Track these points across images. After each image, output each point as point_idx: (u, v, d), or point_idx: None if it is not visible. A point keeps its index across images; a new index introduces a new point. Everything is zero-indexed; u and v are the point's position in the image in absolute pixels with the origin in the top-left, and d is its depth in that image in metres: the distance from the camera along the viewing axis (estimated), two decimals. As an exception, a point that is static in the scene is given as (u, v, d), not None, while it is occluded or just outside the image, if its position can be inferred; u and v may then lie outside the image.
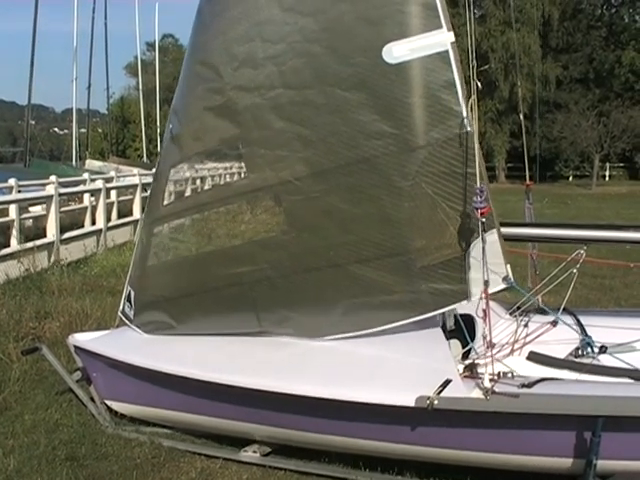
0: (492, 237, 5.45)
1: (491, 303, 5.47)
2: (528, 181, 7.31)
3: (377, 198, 5.68)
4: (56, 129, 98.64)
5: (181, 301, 6.62)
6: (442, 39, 5.41)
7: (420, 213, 5.57)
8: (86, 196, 20.41)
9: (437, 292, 5.61)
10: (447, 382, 5.11)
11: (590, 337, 6.16)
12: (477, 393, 5.06)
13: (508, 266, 5.53)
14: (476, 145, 5.39)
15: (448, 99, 5.43)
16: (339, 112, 5.70)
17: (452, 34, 5.41)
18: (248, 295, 6.23)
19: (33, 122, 51.24)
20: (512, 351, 6.07)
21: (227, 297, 6.35)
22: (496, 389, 5.01)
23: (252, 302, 6.21)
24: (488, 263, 5.33)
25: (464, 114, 5.40)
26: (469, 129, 5.39)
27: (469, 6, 5.87)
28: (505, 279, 5.49)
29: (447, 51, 5.40)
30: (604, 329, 6.23)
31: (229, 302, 6.34)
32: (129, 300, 7.05)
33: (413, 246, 5.62)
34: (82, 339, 7.12)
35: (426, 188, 5.51)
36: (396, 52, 5.47)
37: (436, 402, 4.99)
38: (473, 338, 6.00)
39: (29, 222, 17.89)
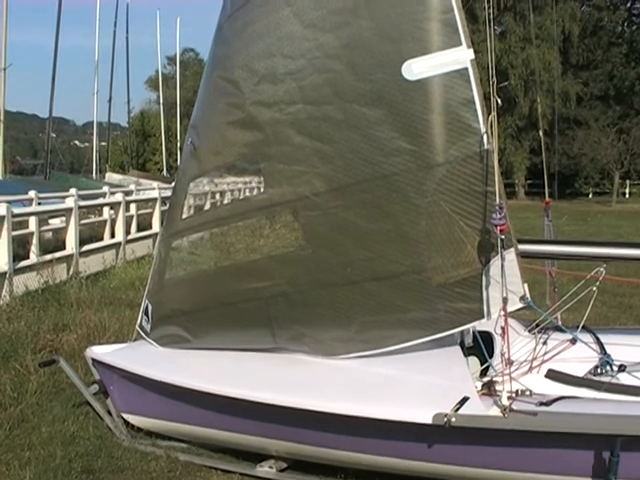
0: (510, 256, 5.43)
1: (510, 320, 5.44)
2: (547, 198, 7.29)
3: (394, 215, 5.67)
4: (77, 142, 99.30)
5: (197, 315, 6.62)
6: (461, 56, 5.40)
7: (437, 231, 5.55)
8: (106, 209, 20.50)
9: (453, 311, 5.59)
10: (465, 399, 5.08)
11: (609, 355, 6.12)
12: (495, 411, 5.03)
13: (525, 285, 5.51)
14: (495, 163, 5.38)
15: (467, 117, 5.43)
16: (358, 128, 5.70)
17: (472, 51, 5.40)
18: (264, 310, 6.22)
19: (54, 135, 51.45)
20: (530, 369, 6.04)
21: (243, 312, 6.35)
22: (514, 407, 4.97)
23: (267, 318, 6.21)
24: (506, 281, 5.32)
25: (483, 132, 5.39)
26: (488, 147, 5.38)
27: (489, 23, 5.87)
28: (522, 298, 5.48)
29: (466, 68, 5.39)
30: (623, 347, 6.19)
31: (245, 317, 6.34)
32: (147, 313, 7.06)
33: (430, 264, 5.60)
34: (100, 352, 7.14)
35: (444, 206, 5.49)
36: (415, 69, 5.48)
37: (453, 419, 4.95)
38: (491, 355, 5.98)
39: (49, 234, 17.96)
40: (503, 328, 5.23)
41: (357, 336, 5.88)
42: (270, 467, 6.15)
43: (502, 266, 5.32)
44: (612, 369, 6.06)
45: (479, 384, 5.59)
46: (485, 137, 5.38)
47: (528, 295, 5.51)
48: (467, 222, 5.49)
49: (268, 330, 6.23)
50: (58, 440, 6.87)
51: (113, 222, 20.18)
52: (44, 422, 7.32)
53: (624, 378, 5.98)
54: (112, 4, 60.85)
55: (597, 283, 6.15)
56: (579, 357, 6.15)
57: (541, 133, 7.69)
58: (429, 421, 5.03)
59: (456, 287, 5.57)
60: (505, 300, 5.27)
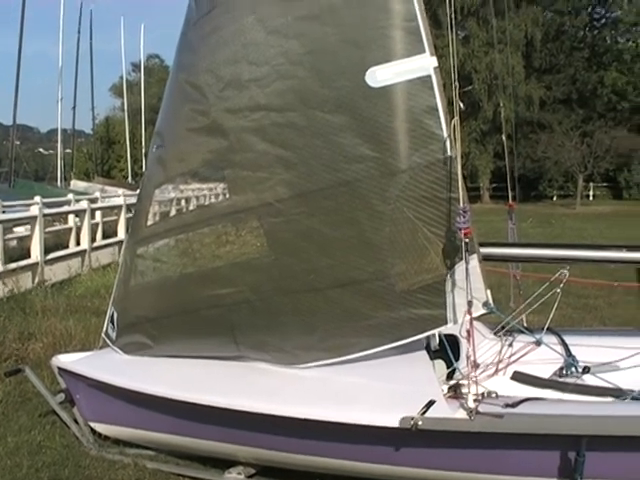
0: (473, 262, 5.44)
1: (475, 323, 5.48)
2: (511, 201, 7.35)
3: (357, 222, 5.67)
4: (41, 149, 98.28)
5: (162, 322, 6.60)
6: (425, 64, 5.41)
7: (401, 237, 5.55)
8: (71, 217, 20.37)
9: (417, 317, 5.59)
10: (431, 403, 5.10)
11: (574, 357, 6.17)
12: (461, 413, 5.06)
13: (488, 291, 5.54)
14: (458, 169, 5.40)
15: (430, 124, 5.43)
16: (321, 135, 5.69)
17: (435, 59, 5.42)
18: (226, 318, 6.20)
19: (18, 142, 51.07)
20: (496, 371, 6.08)
21: (205, 319, 6.34)
22: (480, 409, 5.01)
23: (230, 325, 6.19)
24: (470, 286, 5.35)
25: (446, 139, 5.41)
26: (450, 154, 5.41)
27: (452, 27, 5.91)
28: (485, 304, 5.50)
29: (429, 76, 5.40)
30: (588, 348, 6.25)
31: (207, 325, 6.33)
32: (112, 321, 7.03)
33: (393, 271, 5.60)
34: (66, 360, 7.09)
35: (407, 212, 5.50)
36: (379, 76, 5.48)
37: (420, 423, 4.98)
38: (457, 358, 6.00)
39: (13, 243, 17.82)
40: (468, 331, 5.26)
41: (320, 344, 5.87)
42: (239, 473, 6.15)
43: (466, 269, 5.35)
44: (577, 370, 6.11)
45: (445, 387, 5.62)
46: (448, 144, 5.41)
47: (491, 301, 5.54)
48: (430, 229, 5.50)
49: (230, 338, 6.21)
50: (25, 450, 6.82)
51: (78, 230, 20.05)
52: (10, 432, 7.27)
53: (589, 379, 6.04)
54: (76, 10, 60.64)
55: (561, 285, 6.20)
56: (544, 359, 6.20)
57: (504, 137, 7.69)
58: (396, 425, 5.04)
59: (419, 293, 5.58)
60: (470, 303, 5.31)
